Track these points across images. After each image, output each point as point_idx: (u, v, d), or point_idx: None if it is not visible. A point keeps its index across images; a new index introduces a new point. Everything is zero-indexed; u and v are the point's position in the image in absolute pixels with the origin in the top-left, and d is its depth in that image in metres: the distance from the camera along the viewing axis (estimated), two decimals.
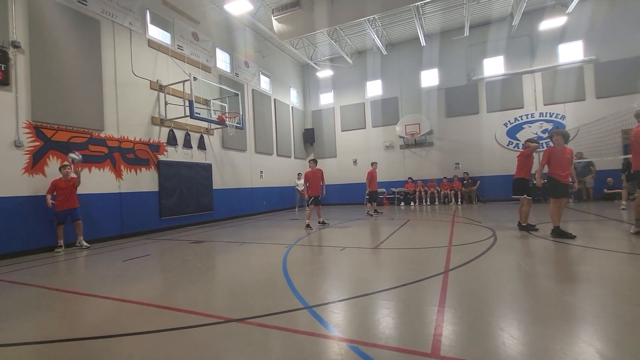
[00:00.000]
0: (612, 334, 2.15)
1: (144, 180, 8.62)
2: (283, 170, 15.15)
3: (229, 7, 10.09)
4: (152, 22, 9.28)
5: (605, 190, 11.65)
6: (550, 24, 12.03)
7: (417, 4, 10.92)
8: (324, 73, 16.03)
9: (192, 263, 5.00)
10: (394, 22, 13.70)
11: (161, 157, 9.11)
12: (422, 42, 14.39)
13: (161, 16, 9.53)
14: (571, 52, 12.83)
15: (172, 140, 9.46)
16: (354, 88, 16.66)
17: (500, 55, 13.86)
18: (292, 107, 16.46)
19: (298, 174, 15.00)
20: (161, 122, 9.17)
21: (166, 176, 9.15)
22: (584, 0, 11.92)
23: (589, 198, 11.70)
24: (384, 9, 10.50)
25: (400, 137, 15.24)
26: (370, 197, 11.01)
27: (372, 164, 11.19)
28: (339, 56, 15.91)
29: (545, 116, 13.19)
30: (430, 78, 15.18)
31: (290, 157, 16.00)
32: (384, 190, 15.07)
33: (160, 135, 9.17)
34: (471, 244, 5.28)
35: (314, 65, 16.32)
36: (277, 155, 14.91)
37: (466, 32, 13.51)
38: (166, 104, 9.24)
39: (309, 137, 17.28)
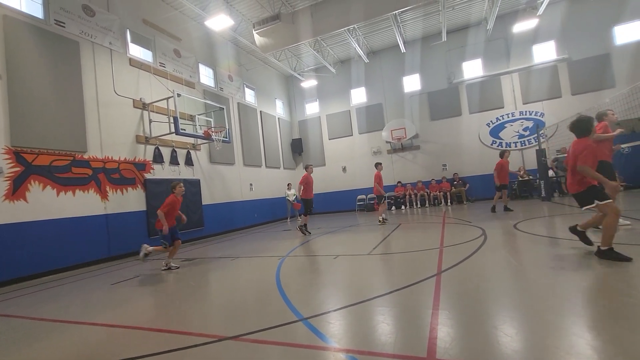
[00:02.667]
0: (602, 326, 2.20)
1: (131, 200, 8.45)
2: (273, 182, 15.07)
3: (210, 23, 10.15)
4: (133, 41, 9.24)
5: None
6: (523, 26, 12.52)
7: (395, 12, 11.22)
8: (309, 83, 16.18)
9: (184, 282, 4.91)
10: (373, 30, 13.99)
11: (148, 176, 8.97)
12: (402, 48, 14.73)
13: (142, 35, 9.50)
14: (545, 52, 13.32)
15: (158, 158, 9.33)
16: (339, 96, 16.84)
17: (478, 58, 14.28)
18: (278, 118, 16.51)
19: (288, 184, 14.98)
20: (146, 140, 9.05)
21: (153, 194, 8.98)
22: (553, 2, 12.46)
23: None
24: (364, 18, 10.70)
25: (387, 142, 15.42)
26: (305, 206, 8.77)
27: (307, 167, 9.08)
28: (322, 66, 16.11)
29: (525, 114, 13.58)
30: (412, 83, 15.50)
31: (279, 167, 15.96)
32: (373, 196, 15.12)
33: (145, 153, 9.05)
34: (462, 243, 5.34)
35: (298, 76, 16.47)
36: (266, 167, 14.86)
37: (444, 38, 13.90)
38: (150, 121, 9.15)
39: (297, 147, 17.32)
